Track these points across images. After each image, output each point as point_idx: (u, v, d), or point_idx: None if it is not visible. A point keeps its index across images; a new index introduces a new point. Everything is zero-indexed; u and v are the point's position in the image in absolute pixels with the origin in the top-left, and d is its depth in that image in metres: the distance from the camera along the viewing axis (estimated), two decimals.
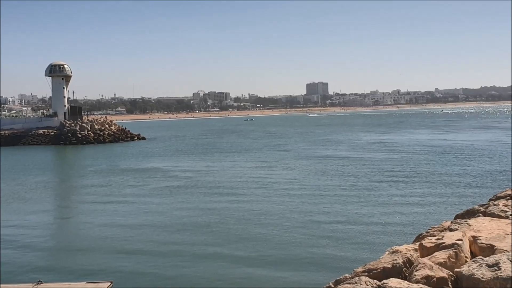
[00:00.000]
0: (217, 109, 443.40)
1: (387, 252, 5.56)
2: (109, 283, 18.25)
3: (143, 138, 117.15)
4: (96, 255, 24.66)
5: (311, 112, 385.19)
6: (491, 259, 4.39)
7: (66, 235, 29.58)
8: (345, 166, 54.58)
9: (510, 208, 7.38)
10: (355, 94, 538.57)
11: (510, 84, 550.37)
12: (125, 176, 53.34)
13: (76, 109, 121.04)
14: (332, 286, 5.00)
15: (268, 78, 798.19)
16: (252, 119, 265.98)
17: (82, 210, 36.64)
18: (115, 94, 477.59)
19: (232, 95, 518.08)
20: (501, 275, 4.10)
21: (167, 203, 37.26)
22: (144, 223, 30.84)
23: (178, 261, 23.13)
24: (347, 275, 5.25)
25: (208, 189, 42.42)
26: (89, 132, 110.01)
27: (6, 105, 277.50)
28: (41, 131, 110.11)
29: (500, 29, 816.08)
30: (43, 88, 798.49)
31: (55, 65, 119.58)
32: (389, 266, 4.89)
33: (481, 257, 4.63)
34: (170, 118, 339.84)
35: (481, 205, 8.27)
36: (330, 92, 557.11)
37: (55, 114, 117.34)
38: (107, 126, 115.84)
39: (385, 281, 4.06)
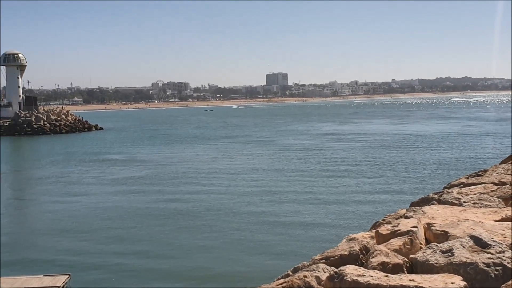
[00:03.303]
0: (176, 100, 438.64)
1: (344, 240, 5.63)
2: (67, 276, 18.04)
3: (101, 129, 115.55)
4: (54, 248, 24.29)
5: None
6: (444, 245, 4.49)
7: (23, 228, 29.02)
8: (306, 156, 54.98)
9: (464, 195, 7.56)
10: (314, 85, 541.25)
11: (465, 75, 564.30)
12: (83, 167, 52.51)
13: (32, 99, 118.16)
14: (291, 273, 5.05)
15: (229, 69, 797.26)
16: (212, 110, 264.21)
17: (39, 202, 35.96)
18: (71, 84, 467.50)
19: (192, 86, 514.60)
20: (454, 261, 4.20)
21: (128, 194, 36.89)
22: (104, 215, 30.48)
23: (138, 253, 22.95)
24: (305, 262, 5.29)
25: (169, 180, 42.16)
26: (45, 122, 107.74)
27: None
28: None
29: (455, 22, 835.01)
30: None
31: (9, 54, 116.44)
32: (346, 253, 4.95)
33: (435, 243, 4.73)
34: (128, 108, 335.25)
35: (436, 193, 8.45)
36: (290, 82, 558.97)
37: (9, 104, 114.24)
38: (63, 116, 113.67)
39: (342, 268, 4.11)
